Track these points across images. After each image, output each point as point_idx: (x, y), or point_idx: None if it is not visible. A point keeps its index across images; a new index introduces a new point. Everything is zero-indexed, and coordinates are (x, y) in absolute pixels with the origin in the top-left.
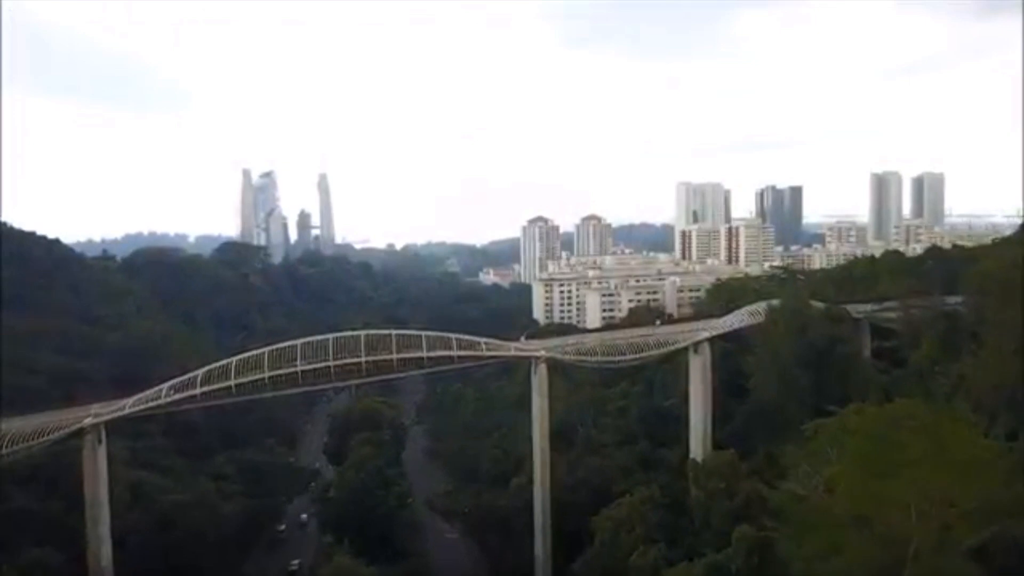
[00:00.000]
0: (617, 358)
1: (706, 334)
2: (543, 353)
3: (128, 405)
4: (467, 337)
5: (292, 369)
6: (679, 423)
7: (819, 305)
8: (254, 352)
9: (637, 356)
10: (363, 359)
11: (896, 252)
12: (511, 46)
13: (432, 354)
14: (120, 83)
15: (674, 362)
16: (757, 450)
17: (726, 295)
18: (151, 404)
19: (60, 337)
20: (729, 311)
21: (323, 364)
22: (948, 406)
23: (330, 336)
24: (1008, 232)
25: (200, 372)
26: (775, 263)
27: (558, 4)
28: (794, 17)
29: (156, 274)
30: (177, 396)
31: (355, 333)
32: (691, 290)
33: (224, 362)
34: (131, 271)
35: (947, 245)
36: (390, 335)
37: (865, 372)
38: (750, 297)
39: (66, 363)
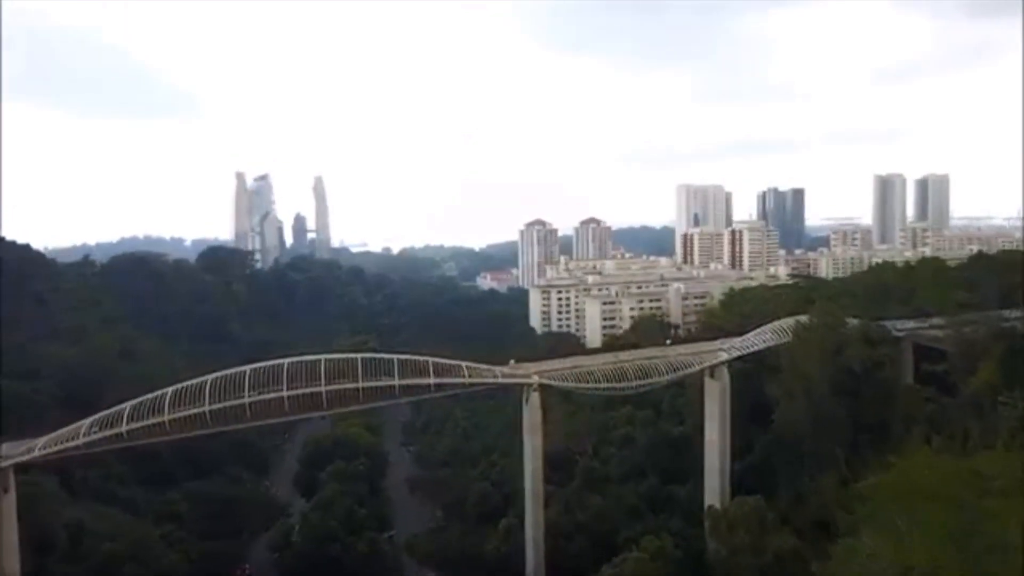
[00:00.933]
0: (622, 385)
1: (724, 356)
2: (536, 379)
3: (39, 447)
4: (446, 361)
5: (238, 401)
6: (692, 454)
7: (854, 322)
8: (194, 381)
9: (646, 382)
10: (323, 388)
11: (935, 259)
12: (511, 49)
13: (405, 382)
14: (115, 85)
15: (686, 383)
16: (782, 489)
17: (741, 306)
18: (67, 445)
19: (11, 352)
20: (746, 326)
21: (276, 395)
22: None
23: (284, 361)
24: (1016, 235)
25: (127, 406)
26: (780, 267)
27: (559, 7)
28: (796, 20)
29: (134, 281)
30: (98, 435)
31: (315, 357)
32: (697, 297)
33: (156, 394)
34: (109, 278)
35: (955, 248)
36: (356, 359)
37: (909, 401)
38: (769, 308)
39: (7, 385)
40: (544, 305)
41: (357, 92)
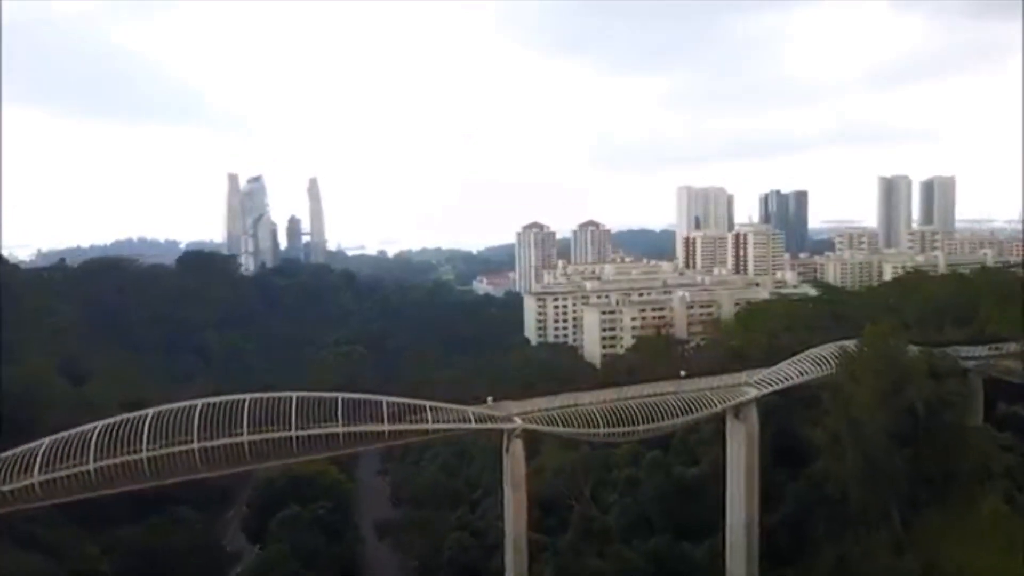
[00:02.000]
0: (625, 430)
1: (754, 392)
2: (518, 423)
3: None
4: (405, 402)
5: (185, 447)
6: (710, 503)
7: (913, 349)
8: (124, 417)
9: (655, 427)
10: (245, 439)
11: (998, 269)
12: (510, 52)
13: (351, 429)
14: (111, 85)
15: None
16: (822, 553)
17: (760, 321)
18: None
19: None
20: (771, 348)
21: (184, 447)
22: None
23: (198, 402)
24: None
25: (43, 446)
26: (787, 272)
27: (558, 10)
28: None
29: (104, 287)
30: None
31: (237, 398)
32: (703, 306)
33: (82, 430)
34: (78, 284)
35: (966, 252)
36: (289, 399)
37: (982, 449)
38: (793, 325)
39: None
40: (540, 314)
41: (353, 93)
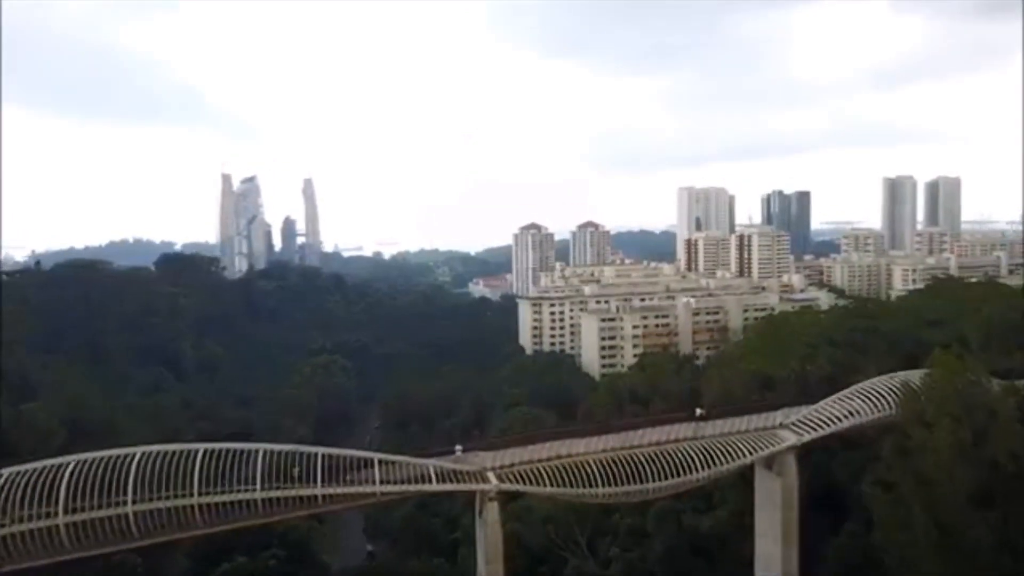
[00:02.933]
0: (630, 489)
1: (791, 439)
2: (493, 483)
3: None
4: (351, 454)
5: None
6: (730, 563)
7: (996, 383)
8: (54, 461)
9: (668, 484)
10: (130, 510)
11: None
12: (509, 53)
13: (272, 495)
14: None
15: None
16: None
17: (782, 336)
18: None
19: None
20: (804, 372)
21: (47, 523)
22: None
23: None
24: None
25: None
26: (793, 276)
27: (556, 9)
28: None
29: (73, 292)
30: None
31: (128, 451)
32: (709, 312)
33: None
34: (47, 289)
35: (977, 255)
36: (195, 452)
37: None
38: (826, 344)
39: None
40: (535, 320)
41: (351, 93)
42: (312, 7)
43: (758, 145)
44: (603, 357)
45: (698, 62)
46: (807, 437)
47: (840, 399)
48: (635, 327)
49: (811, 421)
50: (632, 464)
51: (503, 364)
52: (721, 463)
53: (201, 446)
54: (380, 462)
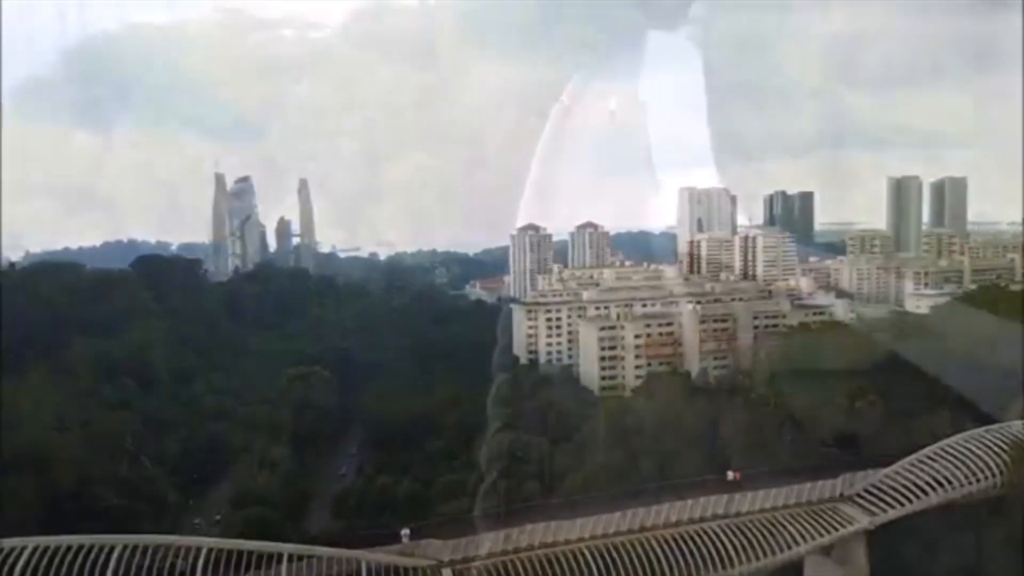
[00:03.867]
0: None
1: (862, 520)
2: None
3: None
4: (249, 547)
5: None
6: None
7: None
8: None
9: None
10: None
11: None
12: (507, 51)
13: None
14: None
15: None
16: None
17: (824, 355)
18: None
19: None
20: (858, 413)
21: None
22: None
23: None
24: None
25: None
26: (801, 279)
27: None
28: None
29: (38, 297)
30: None
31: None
32: (716, 320)
33: None
34: (14, 293)
35: (989, 258)
36: (113, 547)
37: None
38: (875, 372)
39: None
40: (531, 327)
41: (349, 93)
42: (312, 7)
43: (758, 145)
44: (603, 368)
45: (698, 61)
46: (883, 517)
47: (922, 461)
48: (637, 336)
49: (884, 490)
50: (642, 556)
51: (491, 382)
52: (766, 553)
53: (30, 540)
54: (292, 556)
